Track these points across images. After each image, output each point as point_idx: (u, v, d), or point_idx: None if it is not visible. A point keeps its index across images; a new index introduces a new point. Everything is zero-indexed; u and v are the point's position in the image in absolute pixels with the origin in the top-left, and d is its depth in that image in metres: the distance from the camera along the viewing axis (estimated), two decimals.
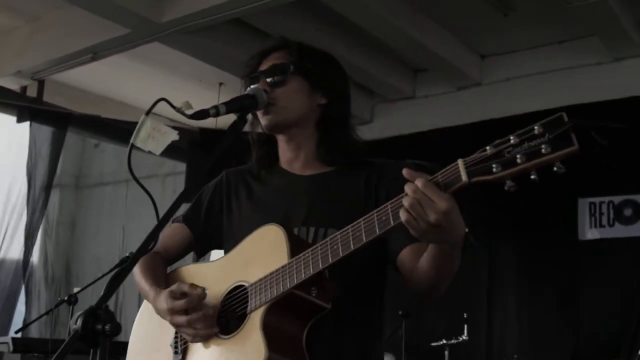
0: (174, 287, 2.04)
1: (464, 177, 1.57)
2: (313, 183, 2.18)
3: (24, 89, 7.73)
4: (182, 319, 1.99)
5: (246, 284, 1.99)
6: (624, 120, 6.29)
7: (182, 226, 2.34)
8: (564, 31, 6.82)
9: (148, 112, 1.79)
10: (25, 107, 7.49)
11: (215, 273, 2.14)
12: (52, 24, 6.98)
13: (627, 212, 6.48)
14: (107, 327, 1.51)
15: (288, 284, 1.85)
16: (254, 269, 1.96)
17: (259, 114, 2.14)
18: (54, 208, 8.46)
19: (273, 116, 2.13)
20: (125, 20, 6.22)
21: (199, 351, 2.05)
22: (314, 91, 2.18)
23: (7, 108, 7.48)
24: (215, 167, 1.97)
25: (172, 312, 2.01)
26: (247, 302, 1.96)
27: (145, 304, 2.24)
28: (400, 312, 5.61)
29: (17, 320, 7.37)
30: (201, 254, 2.41)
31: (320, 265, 1.81)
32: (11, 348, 5.55)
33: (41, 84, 7.72)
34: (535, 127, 1.49)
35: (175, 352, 2.12)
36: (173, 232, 2.34)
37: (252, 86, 2.14)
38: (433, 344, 5.80)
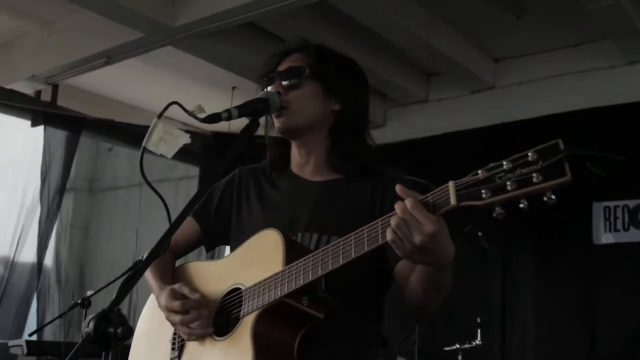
0: (176, 286, 2.09)
1: (453, 201, 1.55)
2: (321, 189, 2.17)
3: (38, 93, 7.78)
4: (177, 317, 2.05)
5: (242, 287, 2.00)
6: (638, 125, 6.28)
7: (192, 221, 2.35)
8: (577, 34, 6.79)
9: (160, 115, 1.79)
10: (39, 111, 7.53)
11: (217, 272, 2.16)
12: (66, 29, 7.02)
13: None
14: (119, 331, 1.51)
15: (279, 292, 1.86)
16: (251, 272, 1.98)
17: (273, 116, 2.14)
18: (67, 212, 8.50)
19: (285, 119, 2.12)
20: (138, 25, 6.24)
21: (193, 349, 2.09)
22: (328, 96, 2.17)
23: (22, 112, 7.52)
24: (228, 170, 1.97)
25: (169, 310, 2.06)
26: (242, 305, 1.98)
27: (152, 299, 2.27)
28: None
29: (32, 324, 7.40)
30: (209, 249, 2.42)
31: (310, 277, 1.82)
32: (25, 351, 5.58)
33: (55, 88, 7.76)
34: (529, 154, 1.44)
35: (173, 348, 2.15)
36: (184, 226, 2.33)
37: (268, 88, 2.14)
38: (446, 349, 5.78)
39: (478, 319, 5.71)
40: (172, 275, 2.26)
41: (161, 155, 1.80)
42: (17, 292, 7.37)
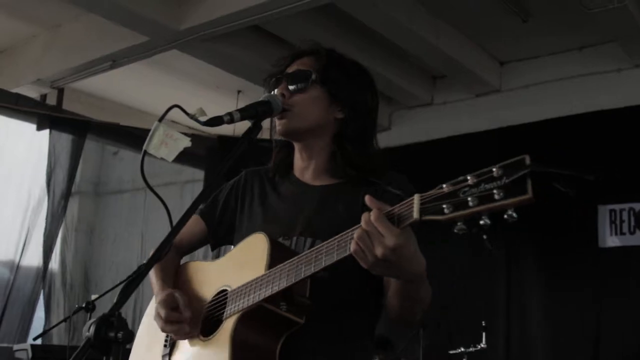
0: (176, 294, 2.08)
1: (416, 214, 1.51)
2: (319, 194, 2.15)
3: (44, 97, 7.81)
4: (168, 327, 2.07)
5: (229, 289, 2.01)
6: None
7: (199, 220, 2.35)
8: (583, 37, 6.78)
9: (161, 119, 1.78)
10: (44, 115, 7.55)
11: (211, 273, 2.18)
12: (71, 33, 7.04)
13: None
14: (119, 335, 1.50)
15: (258, 297, 1.86)
16: (238, 275, 1.98)
17: (276, 119, 2.13)
18: (72, 215, 8.49)
19: (287, 122, 2.11)
20: (143, 28, 6.26)
21: (181, 348, 2.12)
22: (333, 103, 2.14)
23: (27, 116, 7.53)
24: (231, 173, 1.96)
25: (159, 317, 2.08)
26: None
27: (154, 298, 2.28)
28: None
29: (37, 327, 7.40)
30: (214, 248, 2.43)
31: (285, 284, 1.81)
32: (30, 355, 5.57)
33: (61, 92, 7.79)
34: (494, 169, 1.37)
35: (165, 346, 2.18)
36: (190, 225, 2.33)
37: (275, 91, 2.13)
38: (451, 352, 5.76)
39: (483, 322, 5.69)
40: (174, 274, 2.28)
41: (162, 159, 1.79)
42: (22, 295, 7.38)
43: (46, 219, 7.37)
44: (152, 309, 2.29)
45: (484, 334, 5.68)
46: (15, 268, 7.34)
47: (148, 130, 1.81)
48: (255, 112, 1.94)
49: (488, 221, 1.39)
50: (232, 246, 2.29)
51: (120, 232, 9.30)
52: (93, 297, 4.96)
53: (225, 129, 2.15)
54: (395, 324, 1.97)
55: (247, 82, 7.37)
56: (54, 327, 6.08)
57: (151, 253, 1.73)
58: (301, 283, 1.84)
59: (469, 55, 7.06)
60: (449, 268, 6.51)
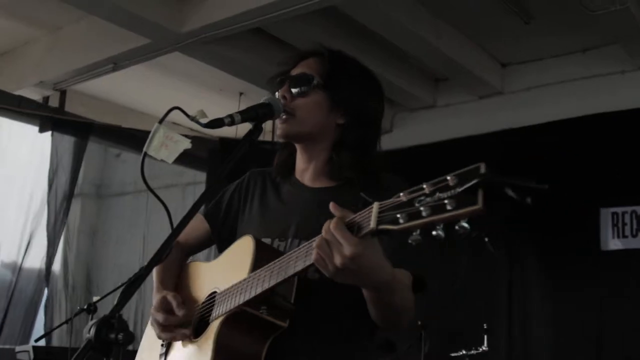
0: (169, 296, 2.09)
1: (372, 224, 1.48)
2: (316, 196, 2.14)
3: (46, 99, 7.82)
4: (163, 334, 2.09)
5: (217, 291, 2.02)
6: None
7: (203, 221, 2.36)
8: (586, 39, 6.78)
9: (161, 121, 1.78)
10: (47, 117, 7.57)
11: (206, 274, 2.20)
12: (73, 35, 7.05)
13: None
14: (120, 336, 1.50)
15: (239, 300, 1.86)
16: (226, 277, 1.99)
17: (277, 121, 2.12)
18: (75, 217, 8.52)
19: (287, 126, 2.10)
20: (145, 31, 6.26)
21: (175, 348, 2.13)
22: (334, 109, 2.12)
23: (30, 118, 7.55)
24: (233, 175, 1.96)
25: (153, 319, 2.10)
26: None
27: None
28: (419, 322, 5.58)
29: (39, 329, 7.41)
30: (221, 250, 2.43)
31: (260, 289, 1.80)
32: (32, 356, 5.59)
33: (63, 94, 7.80)
34: (449, 177, 1.33)
35: (162, 345, 2.20)
36: (195, 225, 2.36)
37: (277, 93, 2.12)
38: (453, 355, 5.75)
39: (485, 325, 5.68)
40: (177, 274, 2.29)
41: (162, 161, 1.79)
42: (24, 297, 7.39)
43: (48, 221, 7.38)
44: None
45: (485, 336, 5.67)
46: (17, 270, 7.36)
47: (150, 133, 1.81)
48: (255, 115, 1.93)
49: (442, 233, 1.33)
50: None
51: (122, 234, 9.33)
52: (95, 299, 4.97)
53: (227, 131, 2.15)
54: (382, 328, 1.96)
55: (249, 84, 7.37)
56: (55, 328, 6.10)
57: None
58: (284, 286, 1.83)
59: (471, 57, 7.06)
60: (450, 270, 6.50)
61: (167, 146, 1.77)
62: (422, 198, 1.36)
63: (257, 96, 2.18)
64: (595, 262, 6.49)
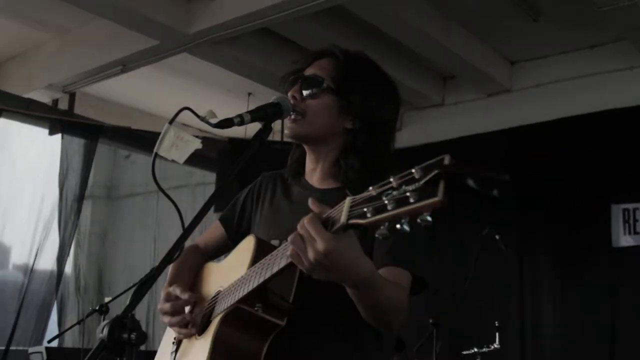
0: (170, 288, 2.13)
1: (343, 218, 1.47)
2: (321, 198, 2.14)
3: (56, 101, 7.85)
4: (166, 319, 2.11)
5: (221, 289, 2.04)
6: None
7: (219, 225, 2.38)
8: (594, 36, 6.76)
9: (171, 121, 1.79)
10: (56, 119, 7.59)
11: (215, 273, 2.22)
12: (81, 37, 7.07)
13: None
14: (132, 336, 1.51)
15: (235, 298, 1.87)
16: (229, 276, 2.00)
17: (286, 121, 2.11)
18: (85, 219, 8.54)
19: (295, 126, 2.10)
20: (153, 32, 6.28)
21: (183, 345, 2.16)
22: (343, 114, 2.10)
23: (39, 121, 7.57)
24: (243, 175, 1.97)
25: (161, 312, 2.12)
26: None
27: None
28: (430, 321, 5.57)
29: (52, 330, 7.44)
30: None
31: (251, 286, 1.81)
32: (45, 357, 5.60)
33: (72, 96, 7.83)
34: (414, 170, 1.31)
35: (173, 343, 2.22)
36: (213, 230, 2.40)
37: (289, 93, 2.12)
38: (464, 353, 5.74)
39: (496, 322, 5.67)
40: (192, 275, 2.30)
41: (173, 161, 1.80)
42: (36, 299, 7.42)
43: (59, 223, 7.40)
44: None
45: (497, 334, 5.66)
46: (29, 272, 7.39)
47: (159, 134, 1.82)
48: (265, 114, 1.93)
49: (407, 227, 1.31)
50: None
51: (133, 235, 9.36)
52: (106, 299, 4.99)
53: (236, 132, 2.15)
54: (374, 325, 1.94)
55: (258, 84, 7.38)
56: (67, 329, 6.12)
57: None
58: (281, 285, 1.84)
59: (479, 55, 7.04)
60: (461, 268, 6.49)
61: (177, 146, 1.78)
62: (389, 191, 1.34)
63: (266, 97, 2.18)
64: (606, 259, 6.48)
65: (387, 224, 1.35)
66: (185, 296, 2.07)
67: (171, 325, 2.11)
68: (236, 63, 7.05)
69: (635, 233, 6.45)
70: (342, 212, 1.49)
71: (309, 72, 2.15)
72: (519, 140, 7.02)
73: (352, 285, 1.72)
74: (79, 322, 5.53)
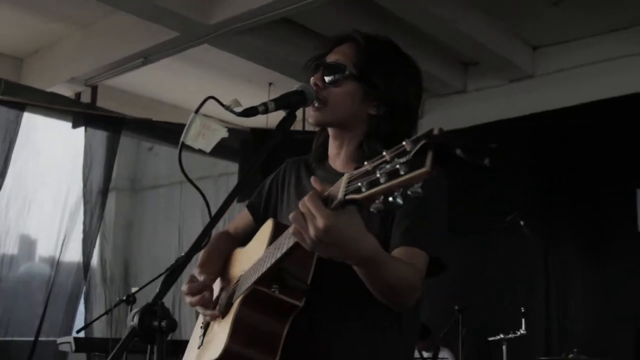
0: (195, 271, 2.16)
1: (340, 195, 1.47)
2: None
3: (78, 95, 7.91)
4: (188, 299, 2.11)
5: (243, 273, 2.05)
6: None
7: (247, 212, 2.40)
8: (616, 19, 6.70)
9: (197, 111, 1.80)
10: (79, 113, 7.64)
11: (240, 258, 2.23)
12: (103, 31, 7.11)
13: None
14: (163, 324, 1.52)
15: (252, 280, 1.88)
16: (251, 259, 2.02)
17: (308, 109, 2.11)
18: (110, 211, 8.59)
19: (319, 114, 2.09)
20: (174, 24, 6.30)
21: (210, 328, 2.19)
22: (367, 100, 2.08)
23: (63, 114, 7.64)
24: (267, 164, 1.98)
25: (183, 293, 2.12)
26: None
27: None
28: (456, 307, 5.57)
29: (79, 322, 7.52)
30: None
31: (265, 267, 1.82)
32: (74, 347, 5.67)
33: (94, 89, 7.89)
34: (405, 142, 1.30)
35: (201, 327, 2.25)
36: (242, 216, 2.41)
37: (311, 80, 2.11)
38: (490, 339, 5.74)
39: (522, 308, 5.65)
40: (222, 261, 2.31)
41: (199, 150, 1.81)
42: (64, 291, 7.50)
43: (85, 215, 7.47)
44: None
45: (523, 320, 5.65)
46: (55, 264, 7.46)
47: (181, 125, 1.83)
48: (289, 102, 1.93)
49: (400, 201, 1.32)
50: None
51: (157, 226, 9.41)
52: (133, 290, 5.03)
53: (258, 122, 2.15)
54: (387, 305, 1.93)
55: (279, 74, 7.39)
56: (95, 320, 6.18)
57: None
58: (297, 265, 1.85)
59: (501, 41, 7.01)
60: (486, 254, 6.49)
61: (204, 135, 1.79)
62: (383, 165, 1.34)
63: (287, 86, 2.18)
64: (632, 243, 6.44)
65: (381, 197, 1.36)
66: (201, 278, 2.10)
67: (192, 304, 2.12)
68: (257, 53, 7.06)
69: None
70: (339, 188, 1.49)
71: (330, 58, 2.13)
72: (542, 126, 6.99)
73: (356, 263, 1.73)
74: (106, 312, 5.58)
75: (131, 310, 4.97)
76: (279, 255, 1.77)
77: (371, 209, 1.38)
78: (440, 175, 2.02)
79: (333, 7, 6.17)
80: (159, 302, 1.56)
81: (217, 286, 2.24)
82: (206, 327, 2.24)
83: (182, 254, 1.71)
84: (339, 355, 2.01)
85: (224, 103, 1.81)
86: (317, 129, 2.25)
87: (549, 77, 7.38)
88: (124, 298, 4.95)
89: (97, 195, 7.56)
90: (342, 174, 2.12)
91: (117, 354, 1.54)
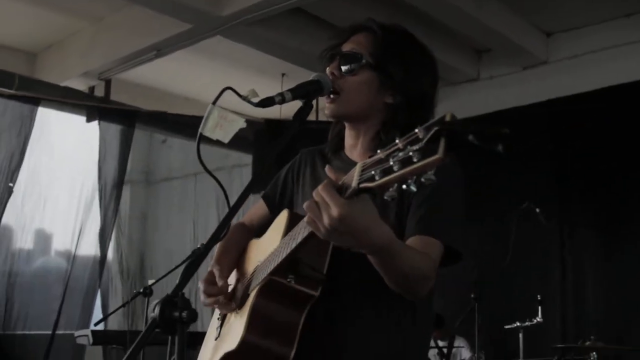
0: (214, 269, 2.17)
1: (354, 183, 1.47)
2: None
3: (92, 89, 7.94)
4: (202, 297, 2.16)
5: (259, 264, 2.06)
6: None
7: (262, 203, 2.40)
8: (630, 3, 6.65)
9: (215, 102, 1.80)
10: (93, 106, 7.67)
11: (255, 249, 2.24)
12: (115, 24, 7.13)
13: None
14: (184, 314, 1.53)
15: (268, 270, 1.89)
16: (266, 250, 2.02)
17: (325, 100, 2.10)
18: (125, 204, 8.64)
19: (335, 106, 2.08)
20: (186, 16, 6.30)
21: (227, 320, 2.21)
22: (383, 89, 2.08)
23: (76, 108, 7.66)
24: (282, 154, 1.98)
25: (201, 291, 2.16)
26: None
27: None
28: (472, 296, 5.55)
29: (96, 315, 7.57)
30: None
31: (280, 258, 1.83)
32: (91, 340, 5.71)
33: (108, 83, 7.90)
34: (417, 130, 1.29)
35: (218, 319, 2.28)
36: (257, 207, 2.42)
37: (327, 70, 2.10)
38: (507, 327, 5.73)
39: (538, 296, 5.64)
40: (238, 252, 2.32)
41: (217, 141, 1.81)
42: (80, 285, 7.55)
43: (100, 209, 7.51)
44: None
45: (539, 307, 5.63)
46: (71, 258, 7.51)
47: (195, 117, 1.84)
48: (305, 92, 1.93)
49: (413, 188, 1.32)
50: None
51: (172, 218, 9.46)
52: (150, 282, 5.05)
53: (272, 113, 2.14)
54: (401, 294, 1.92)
55: (292, 65, 7.38)
56: (112, 312, 6.21)
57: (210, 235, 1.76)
58: (312, 255, 1.86)
59: (514, 27, 6.97)
60: (501, 242, 6.47)
61: (222, 126, 1.79)
62: (396, 153, 1.34)
63: (300, 77, 2.17)
64: None
65: (395, 185, 1.36)
66: (220, 283, 2.12)
67: (206, 305, 2.16)
68: (270, 44, 7.06)
69: None
70: (352, 176, 1.49)
71: (346, 47, 2.12)
72: (557, 112, 6.95)
73: (370, 252, 1.73)
74: (124, 305, 5.60)
75: (148, 303, 5.01)
76: (294, 245, 1.77)
77: (385, 197, 1.39)
78: (455, 164, 2.02)
79: None
80: (179, 293, 1.57)
81: (233, 278, 2.26)
82: (223, 318, 2.25)
83: (198, 246, 1.72)
84: (354, 344, 2.02)
85: (241, 94, 1.81)
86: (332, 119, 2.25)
87: (562, 63, 7.33)
88: (141, 290, 4.98)
89: (112, 189, 7.59)
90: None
91: (138, 345, 1.55)
